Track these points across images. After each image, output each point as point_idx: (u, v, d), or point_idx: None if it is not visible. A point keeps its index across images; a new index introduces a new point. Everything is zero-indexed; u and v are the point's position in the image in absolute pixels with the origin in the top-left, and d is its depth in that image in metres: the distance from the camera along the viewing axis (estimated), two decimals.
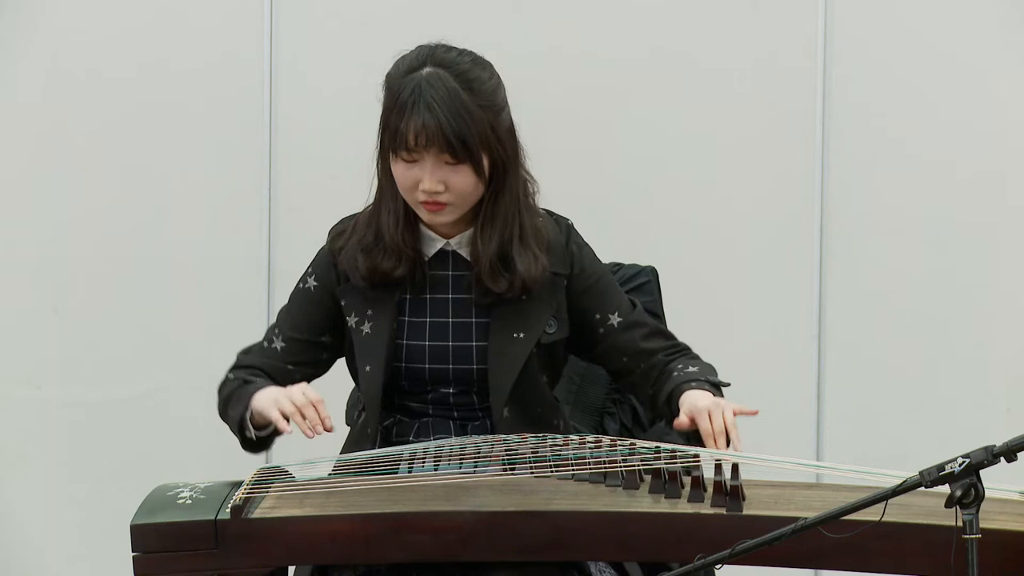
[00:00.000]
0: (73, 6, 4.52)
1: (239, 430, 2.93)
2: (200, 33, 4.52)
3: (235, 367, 3.06)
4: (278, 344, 3.05)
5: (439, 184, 2.88)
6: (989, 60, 4.43)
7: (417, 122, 2.84)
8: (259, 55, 4.51)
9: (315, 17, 4.51)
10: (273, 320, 3.12)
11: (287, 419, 2.80)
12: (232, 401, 2.96)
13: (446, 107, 2.84)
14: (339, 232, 3.04)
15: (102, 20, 4.52)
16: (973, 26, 4.43)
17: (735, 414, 2.79)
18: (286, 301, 3.11)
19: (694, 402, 2.84)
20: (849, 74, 4.46)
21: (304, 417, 2.79)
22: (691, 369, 2.97)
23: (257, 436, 2.91)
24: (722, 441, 2.76)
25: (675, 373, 2.97)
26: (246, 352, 3.10)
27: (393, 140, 2.88)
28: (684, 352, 3.06)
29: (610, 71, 4.48)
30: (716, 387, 2.93)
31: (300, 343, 3.04)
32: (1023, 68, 4.44)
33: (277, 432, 2.88)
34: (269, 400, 2.85)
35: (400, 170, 2.91)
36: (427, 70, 2.87)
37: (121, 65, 4.52)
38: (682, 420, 2.84)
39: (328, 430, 2.80)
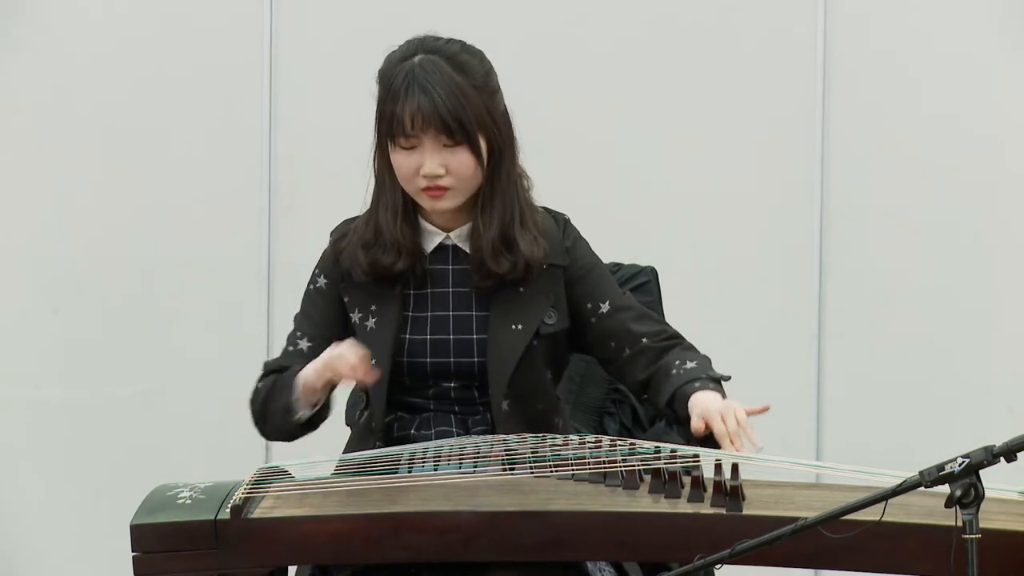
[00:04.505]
0: (73, 7, 4.52)
1: (285, 415, 2.92)
2: (201, 33, 4.52)
3: (263, 376, 3.04)
4: (303, 345, 3.03)
5: (439, 167, 2.90)
6: (989, 60, 4.43)
7: (413, 105, 2.87)
8: (259, 55, 4.51)
9: (315, 18, 4.51)
10: (278, 322, 3.12)
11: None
12: (274, 394, 2.95)
13: (441, 88, 2.88)
14: (341, 234, 3.06)
15: (103, 20, 4.52)
16: (973, 26, 4.43)
17: (748, 414, 2.80)
18: (298, 308, 3.09)
19: (705, 406, 2.83)
20: (849, 74, 4.46)
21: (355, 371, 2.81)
22: (689, 365, 2.96)
23: (308, 417, 2.91)
24: (739, 442, 2.76)
25: (673, 371, 2.96)
26: (269, 362, 3.09)
27: (390, 127, 2.91)
28: (677, 342, 3.04)
29: (609, 71, 4.48)
30: (717, 382, 2.93)
31: (324, 340, 3.01)
32: (1023, 68, 4.44)
33: (325, 412, 2.92)
34: (315, 369, 2.85)
35: (400, 159, 2.93)
36: (419, 57, 2.92)
37: (121, 65, 4.52)
38: (697, 425, 2.83)
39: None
